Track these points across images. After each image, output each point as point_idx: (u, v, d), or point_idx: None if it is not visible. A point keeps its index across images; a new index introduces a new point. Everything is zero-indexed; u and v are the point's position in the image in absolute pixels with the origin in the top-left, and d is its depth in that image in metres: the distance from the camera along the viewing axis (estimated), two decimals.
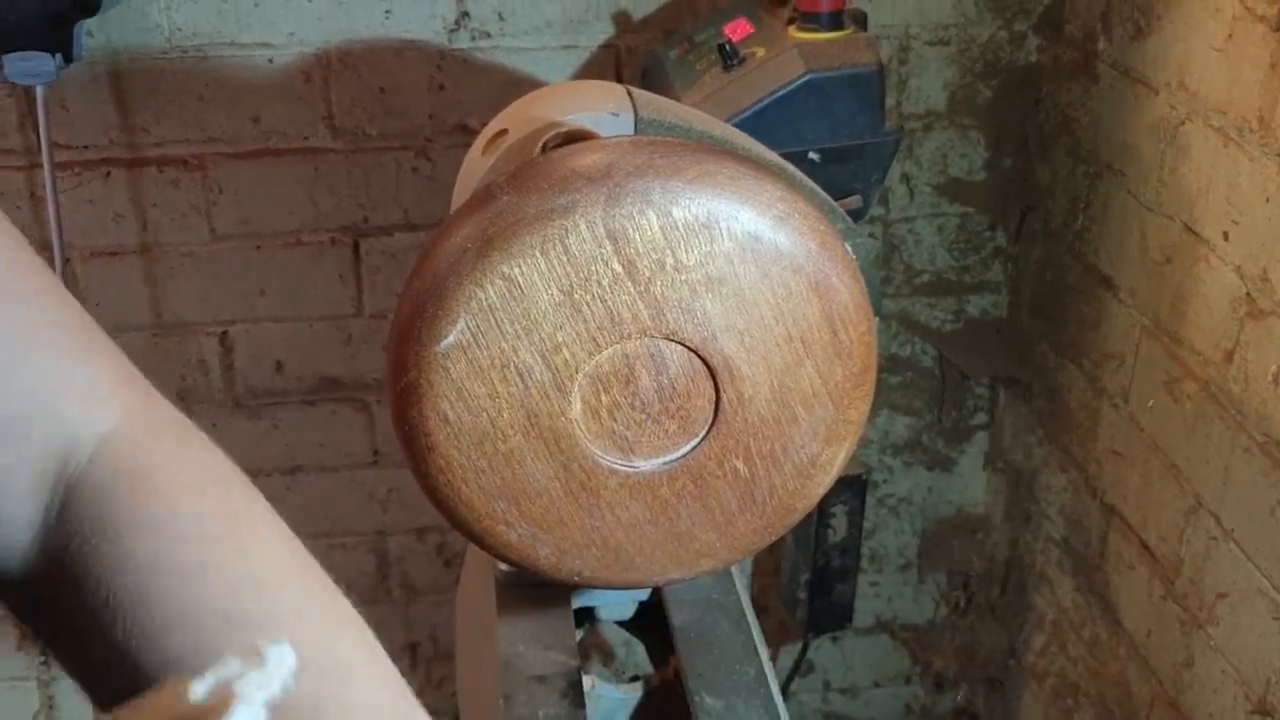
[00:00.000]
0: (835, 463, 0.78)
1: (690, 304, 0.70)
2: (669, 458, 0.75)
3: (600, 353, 0.71)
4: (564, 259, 0.68)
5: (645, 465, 0.75)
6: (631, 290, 0.69)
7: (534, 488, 0.74)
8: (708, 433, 0.75)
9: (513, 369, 0.70)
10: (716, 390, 0.73)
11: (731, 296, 0.71)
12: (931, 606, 1.74)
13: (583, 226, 0.68)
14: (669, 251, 0.69)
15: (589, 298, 0.69)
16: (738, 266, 0.70)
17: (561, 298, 0.69)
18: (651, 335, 0.71)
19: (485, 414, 0.71)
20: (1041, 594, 1.54)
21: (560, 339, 0.70)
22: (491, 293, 0.68)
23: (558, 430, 0.72)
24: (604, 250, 0.68)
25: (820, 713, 1.79)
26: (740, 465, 0.76)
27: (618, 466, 0.74)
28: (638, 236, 0.68)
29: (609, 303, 0.69)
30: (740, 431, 0.75)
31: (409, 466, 0.74)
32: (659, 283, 0.69)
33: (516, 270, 0.68)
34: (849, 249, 0.75)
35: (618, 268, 0.69)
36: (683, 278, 0.70)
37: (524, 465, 0.73)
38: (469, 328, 0.69)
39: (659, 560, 0.79)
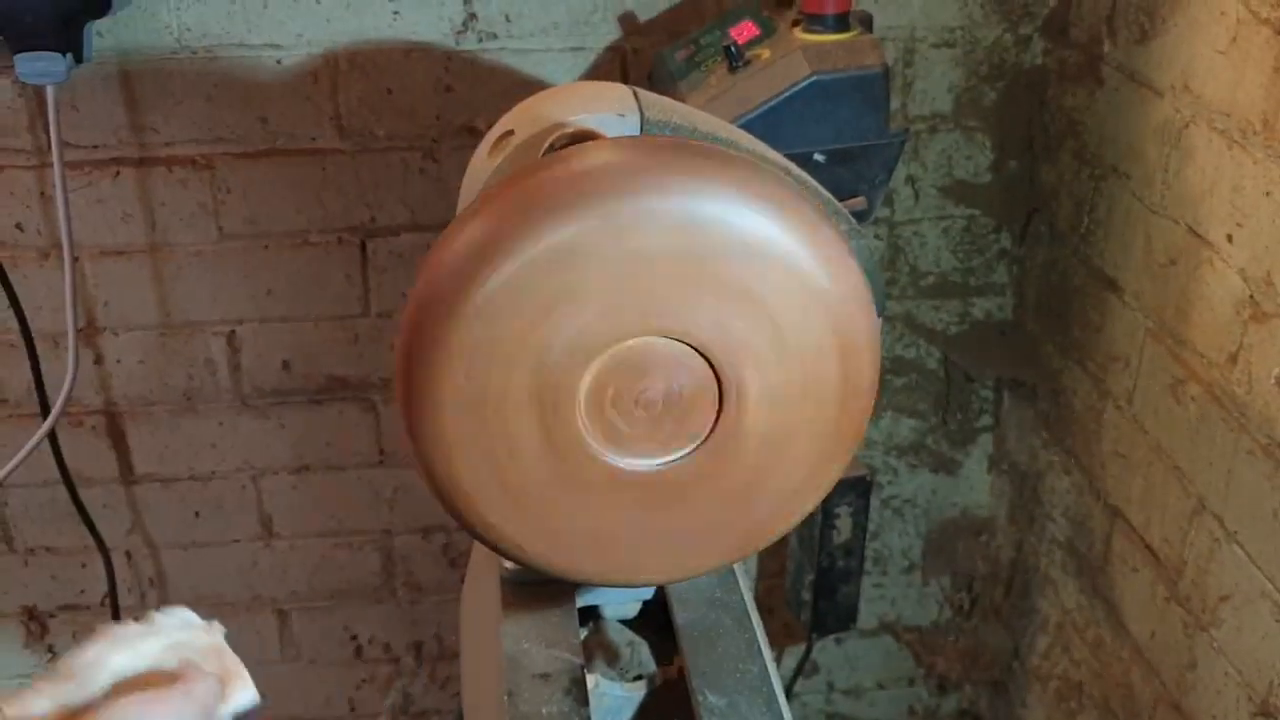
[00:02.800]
0: (833, 469, 0.78)
1: (694, 304, 0.70)
2: (667, 458, 0.75)
3: (603, 351, 0.71)
4: (570, 257, 0.68)
5: (641, 463, 0.75)
6: (631, 291, 0.69)
7: (524, 469, 0.74)
8: (709, 434, 0.75)
9: (518, 357, 0.70)
10: (720, 392, 0.74)
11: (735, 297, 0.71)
12: (935, 608, 1.74)
13: (591, 225, 0.68)
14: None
15: (589, 297, 0.69)
16: None
17: (566, 295, 0.69)
18: (654, 334, 0.71)
19: (490, 393, 0.71)
20: (1045, 596, 1.54)
21: (560, 337, 0.70)
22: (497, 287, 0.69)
23: (558, 422, 0.72)
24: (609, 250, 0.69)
25: (824, 713, 1.80)
26: (737, 469, 0.76)
27: (612, 461, 0.74)
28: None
29: (608, 302, 0.69)
30: (740, 434, 0.75)
31: (406, 434, 0.74)
32: (662, 283, 0.70)
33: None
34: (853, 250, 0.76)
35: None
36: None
37: (517, 443, 0.73)
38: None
39: (654, 560, 0.79)
